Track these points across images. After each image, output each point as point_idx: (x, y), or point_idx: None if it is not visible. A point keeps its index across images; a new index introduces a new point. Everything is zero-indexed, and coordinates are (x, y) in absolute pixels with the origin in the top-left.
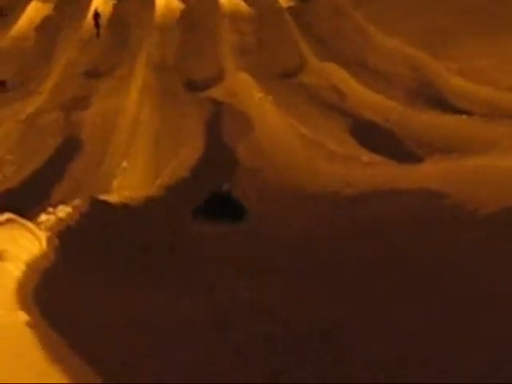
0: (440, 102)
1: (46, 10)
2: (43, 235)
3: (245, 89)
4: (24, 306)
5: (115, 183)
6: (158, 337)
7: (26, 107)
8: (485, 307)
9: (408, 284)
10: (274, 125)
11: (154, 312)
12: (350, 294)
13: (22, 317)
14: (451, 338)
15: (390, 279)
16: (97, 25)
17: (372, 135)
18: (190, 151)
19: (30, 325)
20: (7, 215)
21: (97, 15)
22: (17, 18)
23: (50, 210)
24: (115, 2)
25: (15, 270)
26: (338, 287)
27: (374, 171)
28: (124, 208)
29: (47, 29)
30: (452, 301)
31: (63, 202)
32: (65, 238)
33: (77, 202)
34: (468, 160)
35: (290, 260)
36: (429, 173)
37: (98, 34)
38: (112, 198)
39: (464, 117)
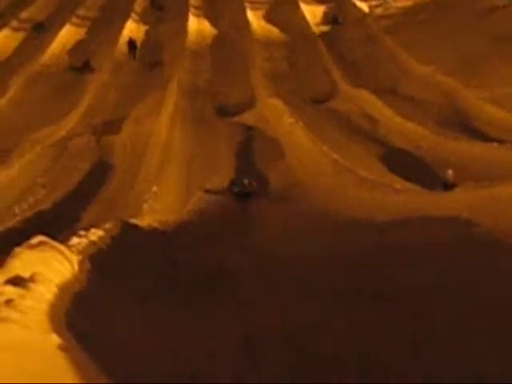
0: (471, 130)
1: (79, 34)
2: (75, 258)
3: (276, 114)
4: (56, 328)
5: (146, 207)
6: (189, 361)
7: (56, 131)
8: None
9: (454, 312)
10: (304, 151)
11: (184, 336)
12: (386, 323)
13: (55, 340)
14: None
15: (431, 307)
16: (132, 51)
17: (403, 162)
18: (220, 177)
19: (62, 348)
20: (39, 238)
21: (132, 42)
22: (50, 42)
23: (82, 233)
24: (148, 27)
25: (47, 292)
26: (368, 316)
27: (405, 198)
28: (154, 232)
29: (80, 52)
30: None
31: (94, 225)
32: (96, 261)
33: (108, 225)
34: (498, 188)
35: (322, 286)
36: (460, 200)
37: (134, 57)
38: (142, 221)
39: (495, 144)
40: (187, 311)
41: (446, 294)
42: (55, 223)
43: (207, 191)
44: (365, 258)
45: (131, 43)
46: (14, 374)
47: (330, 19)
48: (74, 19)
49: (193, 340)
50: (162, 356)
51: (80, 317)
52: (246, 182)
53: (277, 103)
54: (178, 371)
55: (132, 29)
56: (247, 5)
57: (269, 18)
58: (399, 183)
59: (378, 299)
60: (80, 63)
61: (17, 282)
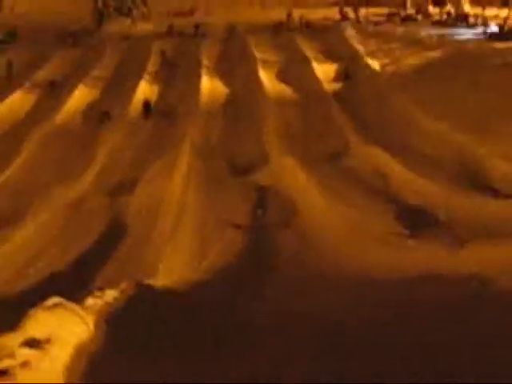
0: (484, 187)
1: (93, 94)
2: (91, 319)
3: (289, 173)
4: None
5: (160, 267)
6: None
7: (70, 191)
8: None
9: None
10: (319, 208)
11: None
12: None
13: None
14: None
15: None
16: (146, 112)
17: (416, 219)
18: (234, 236)
19: None
20: (55, 299)
21: (146, 104)
22: (63, 102)
23: (97, 293)
24: (161, 87)
25: (63, 354)
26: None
27: (420, 256)
28: (170, 292)
29: (93, 114)
30: None
31: (109, 285)
32: (112, 323)
33: (123, 285)
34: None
35: (339, 344)
36: (475, 258)
37: (147, 117)
38: (157, 282)
39: (510, 201)
40: (205, 376)
41: (463, 354)
42: (70, 284)
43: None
44: (378, 317)
45: (145, 104)
46: None
47: (341, 75)
48: (89, 80)
49: None
50: None
51: (96, 379)
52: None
53: (290, 162)
54: None
55: (145, 89)
56: (260, 64)
57: (281, 77)
58: (412, 241)
59: (392, 357)
60: (94, 123)
61: (33, 343)
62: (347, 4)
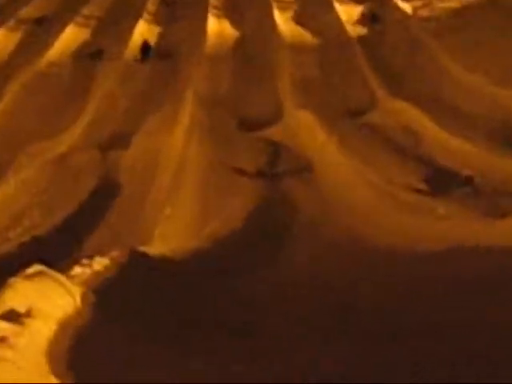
0: None
1: (84, 35)
2: (77, 290)
3: (306, 129)
4: (56, 370)
5: (157, 232)
6: None
7: (58, 145)
8: None
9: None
10: (338, 171)
11: (199, 380)
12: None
13: (54, 382)
14: None
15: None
16: (144, 55)
17: (449, 184)
18: (242, 199)
19: None
20: (37, 267)
21: (145, 46)
22: (50, 44)
23: (85, 261)
24: (161, 29)
25: (46, 329)
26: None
27: (450, 225)
28: (167, 262)
29: (85, 56)
30: None
31: (99, 252)
32: (101, 294)
33: (114, 253)
34: None
35: (361, 324)
36: None
37: (145, 61)
38: (153, 249)
39: None
40: (202, 353)
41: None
42: (55, 250)
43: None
44: (400, 294)
45: (144, 46)
46: None
47: (368, 18)
48: (78, 19)
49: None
50: None
51: (82, 357)
52: None
53: (307, 116)
54: None
55: (143, 30)
56: (274, 4)
57: (299, 20)
58: (444, 208)
59: (414, 337)
60: (85, 68)
61: (11, 317)
62: None
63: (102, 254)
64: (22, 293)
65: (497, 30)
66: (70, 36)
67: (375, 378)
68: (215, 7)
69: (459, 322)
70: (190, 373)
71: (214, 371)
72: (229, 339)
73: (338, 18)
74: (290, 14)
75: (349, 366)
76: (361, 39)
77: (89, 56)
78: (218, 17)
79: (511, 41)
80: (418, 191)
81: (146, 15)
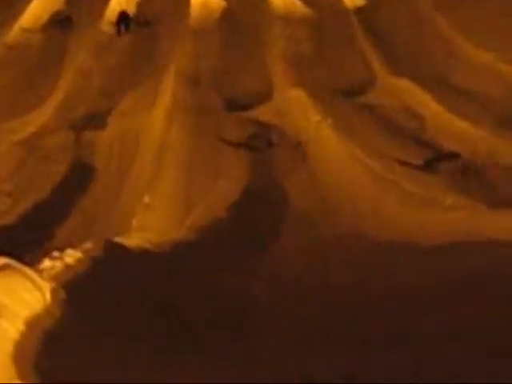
0: None
1: (56, 4)
2: (47, 286)
3: (298, 109)
4: (22, 374)
5: (135, 222)
6: None
7: (26, 125)
8: None
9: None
10: (333, 155)
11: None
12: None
13: None
14: None
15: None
16: (122, 26)
17: (456, 171)
18: (228, 185)
19: None
20: (3, 260)
21: (123, 15)
22: (19, 11)
23: (56, 254)
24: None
25: (12, 329)
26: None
27: (457, 217)
28: (145, 254)
29: (56, 25)
30: None
31: (71, 244)
32: (73, 290)
33: (88, 245)
34: None
35: (348, 326)
36: None
37: (122, 32)
38: (131, 241)
39: None
40: (170, 350)
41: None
42: (23, 241)
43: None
44: (403, 291)
45: (122, 16)
46: None
47: None
48: None
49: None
50: None
51: (51, 360)
52: None
53: (299, 95)
54: None
55: (121, 1)
56: None
57: None
58: (451, 198)
59: (414, 341)
60: (56, 41)
61: None
62: None
63: (74, 245)
64: None
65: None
66: (40, 4)
67: (377, 378)
68: None
69: (462, 322)
70: (166, 373)
71: (199, 372)
72: (221, 339)
73: None
74: None
75: (350, 367)
76: (358, 10)
77: (60, 26)
78: None
79: None
80: (422, 179)
81: None
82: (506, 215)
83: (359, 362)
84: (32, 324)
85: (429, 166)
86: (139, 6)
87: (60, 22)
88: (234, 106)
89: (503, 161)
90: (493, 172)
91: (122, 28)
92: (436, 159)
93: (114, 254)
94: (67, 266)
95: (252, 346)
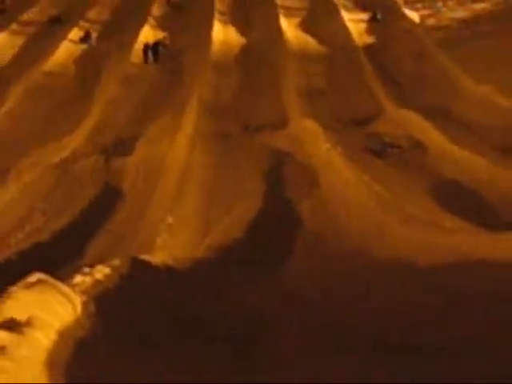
0: None
1: (88, 37)
2: (78, 299)
3: (310, 138)
4: (55, 381)
5: (159, 241)
6: None
7: (60, 150)
8: None
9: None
10: (342, 181)
11: None
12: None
13: None
14: None
15: (475, 366)
16: (150, 57)
17: (456, 196)
18: (245, 208)
19: None
20: (38, 275)
21: (149, 47)
22: (55, 48)
23: (86, 270)
24: (166, 34)
25: (45, 339)
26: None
27: (457, 239)
28: (168, 271)
29: (87, 62)
30: None
31: (100, 260)
32: (102, 304)
33: (116, 261)
34: None
35: (360, 337)
36: None
37: (146, 60)
38: (155, 258)
39: None
40: (192, 358)
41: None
42: (56, 258)
43: None
44: (405, 309)
45: (152, 48)
46: None
47: (375, 27)
48: (83, 22)
49: None
50: None
51: (82, 368)
52: None
53: (311, 125)
54: None
55: (148, 35)
56: (281, 11)
57: (305, 27)
58: (451, 221)
59: (414, 352)
60: (88, 72)
61: (11, 326)
62: None
63: (103, 262)
64: (23, 302)
65: (508, 41)
66: (73, 42)
67: None
68: (221, 12)
69: (460, 338)
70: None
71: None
72: (232, 350)
73: (344, 26)
74: (296, 20)
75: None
76: (367, 48)
77: (92, 60)
78: (224, 23)
79: None
80: (424, 203)
81: (150, 20)
82: (501, 238)
83: (366, 372)
84: (64, 334)
85: (430, 191)
86: (165, 39)
87: (92, 54)
88: (252, 133)
89: (502, 187)
90: (492, 197)
91: (150, 57)
92: (436, 185)
93: (140, 269)
94: (96, 281)
95: (265, 357)
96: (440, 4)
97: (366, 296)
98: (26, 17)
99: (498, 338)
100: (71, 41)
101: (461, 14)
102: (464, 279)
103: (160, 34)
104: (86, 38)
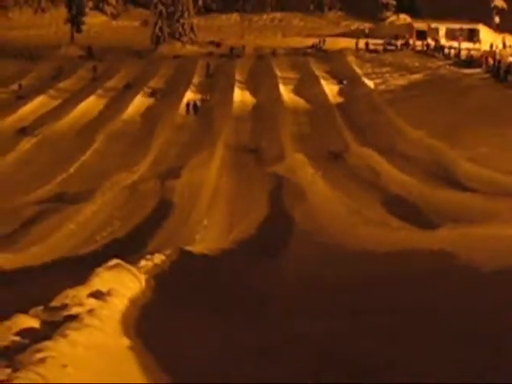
0: (452, 181)
1: (149, 101)
2: (143, 277)
3: (300, 166)
4: (127, 333)
5: (198, 237)
6: (224, 359)
7: (130, 176)
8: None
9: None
10: (323, 195)
11: (223, 337)
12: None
13: (126, 342)
14: None
15: (417, 324)
16: (192, 110)
17: (399, 206)
18: (257, 214)
19: (131, 348)
20: (115, 261)
21: (192, 104)
22: (126, 107)
23: (148, 257)
24: (202, 96)
25: (121, 304)
26: (371, 327)
27: (401, 235)
28: (204, 257)
29: (149, 115)
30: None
31: (158, 250)
32: (159, 280)
33: (168, 251)
34: (474, 228)
35: (334, 302)
36: (443, 237)
37: (188, 112)
38: (195, 248)
39: (471, 193)
40: (227, 316)
41: (432, 311)
42: (128, 248)
43: None
44: (369, 282)
45: (193, 104)
46: (96, 369)
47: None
48: (146, 89)
49: (233, 341)
50: (204, 355)
51: (146, 324)
52: None
53: (301, 157)
54: (218, 370)
55: (190, 96)
56: (280, 80)
57: (296, 92)
58: (396, 222)
59: (378, 313)
60: (149, 123)
61: (97, 295)
62: (351, 36)
63: (160, 251)
64: (105, 279)
65: (434, 99)
66: (139, 101)
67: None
68: (239, 81)
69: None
70: (209, 328)
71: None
72: (249, 309)
73: (323, 91)
74: (290, 87)
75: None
76: (338, 105)
77: (153, 113)
78: (241, 88)
79: (443, 107)
80: (378, 211)
81: (192, 86)
82: (430, 234)
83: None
84: (133, 301)
85: (382, 202)
86: (201, 101)
87: (153, 109)
88: (261, 164)
89: (428, 198)
90: (422, 206)
91: (191, 111)
92: (386, 198)
93: (185, 257)
94: (155, 265)
95: (259, 310)
96: (388, 75)
97: (341, 271)
98: (108, 84)
99: (433, 301)
100: (138, 100)
101: (402, 81)
102: (406, 262)
103: (198, 95)
104: (153, 95)
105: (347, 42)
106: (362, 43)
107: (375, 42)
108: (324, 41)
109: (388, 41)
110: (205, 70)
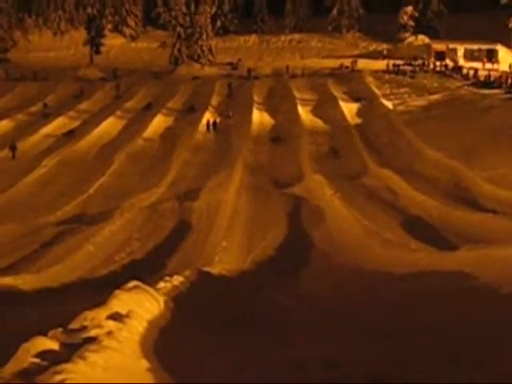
0: (471, 202)
1: (168, 122)
2: (162, 299)
3: (319, 187)
4: (146, 355)
5: (216, 258)
6: (245, 380)
7: (149, 197)
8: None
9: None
10: (341, 216)
11: (244, 359)
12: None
13: (145, 363)
14: None
15: (435, 341)
16: (211, 128)
17: (418, 227)
18: (275, 235)
19: (150, 370)
20: (134, 282)
21: (210, 123)
22: (145, 128)
23: (167, 278)
24: (221, 118)
25: (140, 326)
26: (391, 346)
27: (420, 256)
28: (223, 278)
29: (168, 136)
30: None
31: (177, 272)
32: (178, 302)
33: (187, 272)
34: (493, 250)
35: (352, 322)
36: (462, 258)
37: (208, 129)
38: (214, 270)
39: (490, 214)
40: (241, 339)
41: (447, 331)
42: (146, 269)
43: None
44: (386, 303)
45: (212, 124)
46: None
47: (362, 113)
48: (164, 110)
49: (239, 365)
50: (223, 377)
51: (164, 346)
52: None
53: (319, 178)
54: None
55: (210, 116)
56: (298, 102)
57: (315, 113)
58: (414, 244)
59: (392, 336)
60: (168, 143)
61: (116, 317)
62: (369, 57)
63: (178, 273)
64: (124, 301)
65: (453, 120)
66: (159, 121)
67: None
68: (258, 103)
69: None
70: (226, 347)
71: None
72: (266, 330)
73: (342, 112)
74: (308, 108)
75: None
76: (357, 125)
77: (171, 133)
78: (260, 109)
79: (462, 128)
80: (396, 232)
81: (210, 108)
82: (449, 255)
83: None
84: (152, 323)
85: (400, 223)
86: (220, 121)
87: (171, 129)
88: (279, 185)
89: (447, 220)
90: (441, 227)
91: (211, 130)
92: (404, 219)
93: (204, 278)
94: (174, 286)
95: (284, 337)
96: (406, 96)
97: (356, 294)
98: (126, 105)
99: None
100: (157, 121)
101: (421, 102)
102: (422, 283)
103: (217, 115)
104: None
105: (365, 64)
106: (383, 64)
107: (394, 63)
108: (356, 62)
109: (408, 62)
110: (227, 90)
